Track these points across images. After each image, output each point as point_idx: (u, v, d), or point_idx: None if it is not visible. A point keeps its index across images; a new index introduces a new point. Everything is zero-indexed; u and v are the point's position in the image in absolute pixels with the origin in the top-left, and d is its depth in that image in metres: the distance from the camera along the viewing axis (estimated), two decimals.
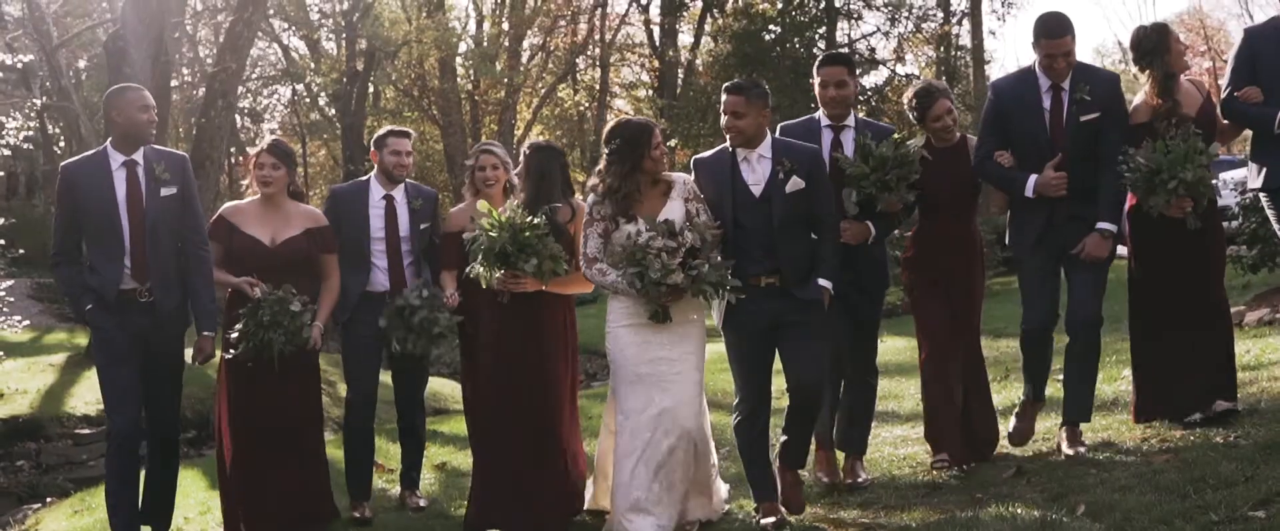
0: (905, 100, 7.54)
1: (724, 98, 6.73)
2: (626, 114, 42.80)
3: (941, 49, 35.19)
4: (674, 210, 6.60)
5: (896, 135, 7.22)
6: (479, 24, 39.93)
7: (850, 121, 7.32)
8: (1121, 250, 7.43)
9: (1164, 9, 67.51)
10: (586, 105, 41.60)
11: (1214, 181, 7.13)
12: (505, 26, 38.83)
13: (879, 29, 35.12)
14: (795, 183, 6.61)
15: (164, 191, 7.10)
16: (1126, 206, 7.34)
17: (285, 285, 7.18)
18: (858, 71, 28.00)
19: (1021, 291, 7.42)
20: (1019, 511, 6.10)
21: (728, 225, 6.62)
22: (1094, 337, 7.28)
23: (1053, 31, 7.06)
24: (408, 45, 35.35)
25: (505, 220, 6.83)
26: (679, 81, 37.85)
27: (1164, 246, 7.31)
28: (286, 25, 37.92)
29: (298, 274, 7.37)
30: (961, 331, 7.41)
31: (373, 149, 8.25)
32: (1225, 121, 7.45)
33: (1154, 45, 7.30)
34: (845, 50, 32.11)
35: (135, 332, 7.05)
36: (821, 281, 6.65)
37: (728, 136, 6.72)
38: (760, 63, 30.97)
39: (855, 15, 34.87)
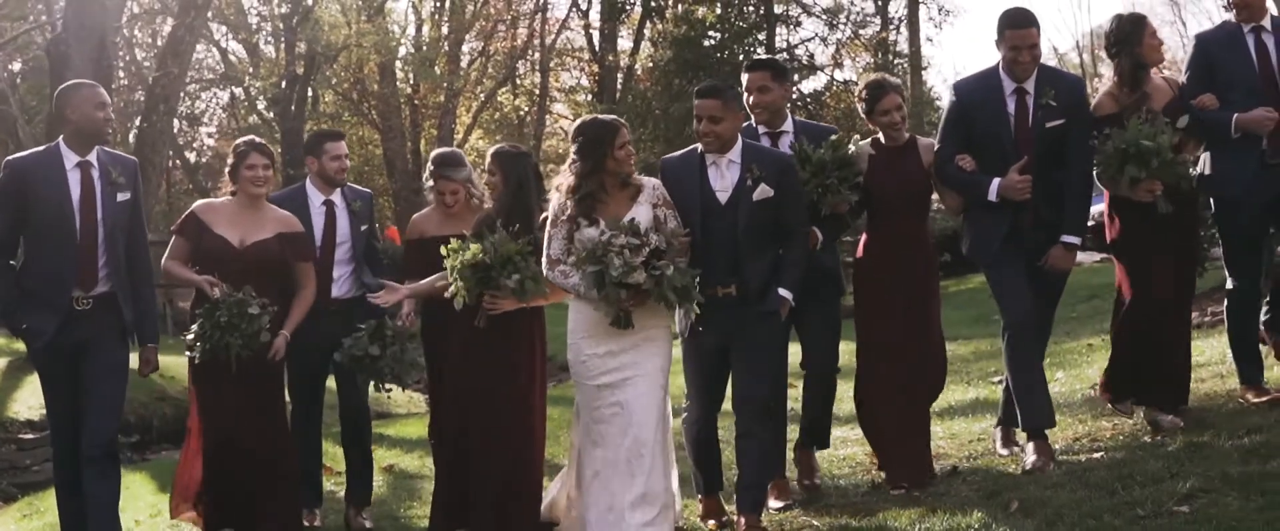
0: (856, 92, 7.28)
1: (697, 102, 6.55)
2: (567, 118, 42.97)
3: (879, 55, 35.54)
4: (641, 214, 6.37)
5: (834, 137, 7.05)
6: (418, 28, 39.92)
7: (787, 127, 7.20)
8: (1079, 257, 7.41)
9: (1098, 16, 68.39)
10: (526, 110, 41.64)
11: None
12: (445, 31, 38.82)
13: (817, 35, 35.45)
14: (763, 190, 6.45)
15: (119, 196, 6.83)
16: (1104, 208, 7.33)
17: (246, 287, 6.96)
18: (796, 77, 27.77)
19: (995, 291, 7.18)
20: (955, 509, 6.25)
21: (695, 232, 6.45)
22: (1043, 344, 7.30)
23: (1017, 22, 6.92)
24: (347, 49, 35.28)
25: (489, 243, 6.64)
26: (618, 86, 37.98)
27: (1147, 236, 7.12)
28: (225, 28, 37.73)
29: (265, 278, 7.14)
30: (920, 340, 7.16)
31: (308, 155, 8.05)
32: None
33: (1126, 35, 7.18)
34: (782, 55, 32.56)
35: (74, 342, 6.73)
36: (782, 292, 6.50)
37: (703, 142, 6.53)
38: (700, 68, 31.11)
39: (794, 21, 35.16)
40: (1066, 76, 7.42)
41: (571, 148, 6.52)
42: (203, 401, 7.18)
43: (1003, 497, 6.31)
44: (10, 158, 7.09)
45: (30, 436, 13.33)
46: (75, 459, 6.88)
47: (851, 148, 7.03)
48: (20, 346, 17.29)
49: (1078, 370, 9.62)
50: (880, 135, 7.22)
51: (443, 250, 6.80)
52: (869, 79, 7.35)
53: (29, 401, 14.06)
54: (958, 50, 60.20)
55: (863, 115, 7.32)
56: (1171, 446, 6.63)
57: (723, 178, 6.52)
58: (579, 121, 6.65)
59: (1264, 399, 7.27)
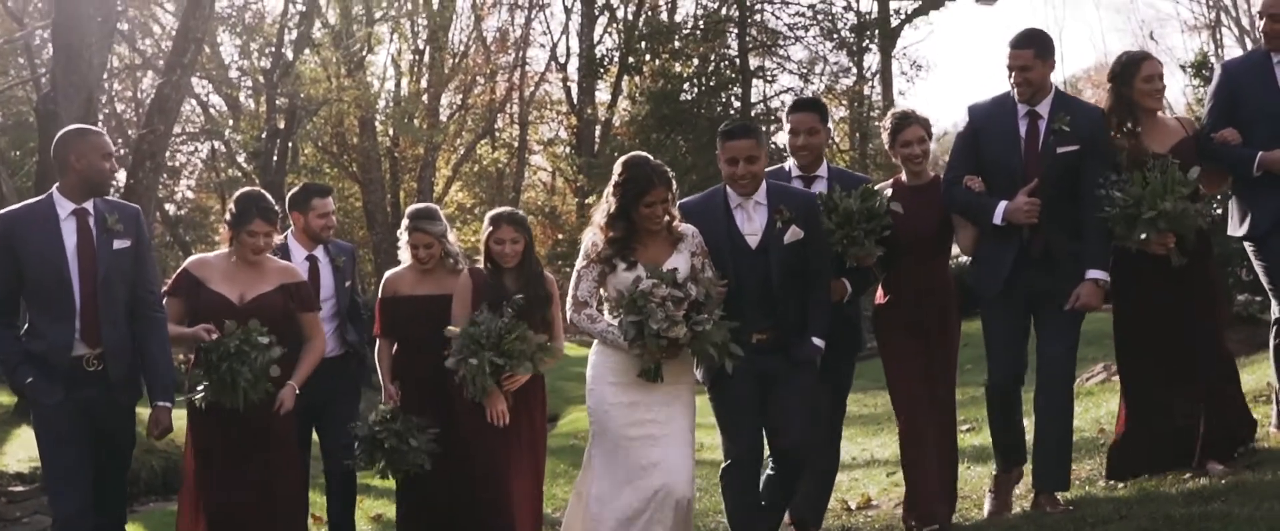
0: (881, 126, 7.11)
1: (731, 143, 6.31)
2: (545, 170, 43.02)
3: (853, 107, 36.01)
4: (679, 263, 6.17)
5: (863, 187, 6.78)
6: (397, 82, 40.14)
7: (822, 172, 7.01)
8: None
9: (1071, 65, 69.46)
10: (505, 162, 41.88)
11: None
12: (424, 84, 39.09)
13: (792, 89, 35.90)
14: (794, 233, 6.29)
15: (116, 244, 6.35)
16: None
17: (251, 322, 6.61)
18: (772, 127, 27.79)
19: (987, 338, 6.92)
20: None
21: (726, 278, 6.25)
22: (1069, 392, 6.88)
23: (1013, 42, 6.74)
24: (328, 103, 35.49)
25: (481, 334, 6.57)
26: (597, 139, 38.33)
27: (1149, 287, 6.87)
28: (207, 82, 37.91)
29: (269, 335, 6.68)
30: (942, 389, 6.95)
31: (293, 210, 7.87)
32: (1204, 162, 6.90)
33: (1116, 74, 7.02)
34: (758, 108, 33.01)
35: (83, 405, 6.28)
36: (816, 341, 6.34)
37: (738, 184, 6.34)
38: (677, 123, 31.51)
39: (769, 76, 35.69)
40: (1084, 105, 7.04)
41: (612, 181, 6.31)
42: (201, 467, 6.81)
43: None
44: (1, 211, 6.70)
45: (20, 489, 13.44)
46: (78, 523, 6.32)
47: (880, 200, 6.77)
48: (2, 399, 17.44)
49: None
50: (902, 174, 7.07)
51: (448, 363, 6.72)
52: (895, 110, 7.19)
53: (18, 454, 14.19)
54: (929, 103, 61.18)
55: (886, 147, 7.20)
56: (1122, 491, 6.93)
57: (751, 220, 6.36)
58: (627, 157, 6.40)
59: None
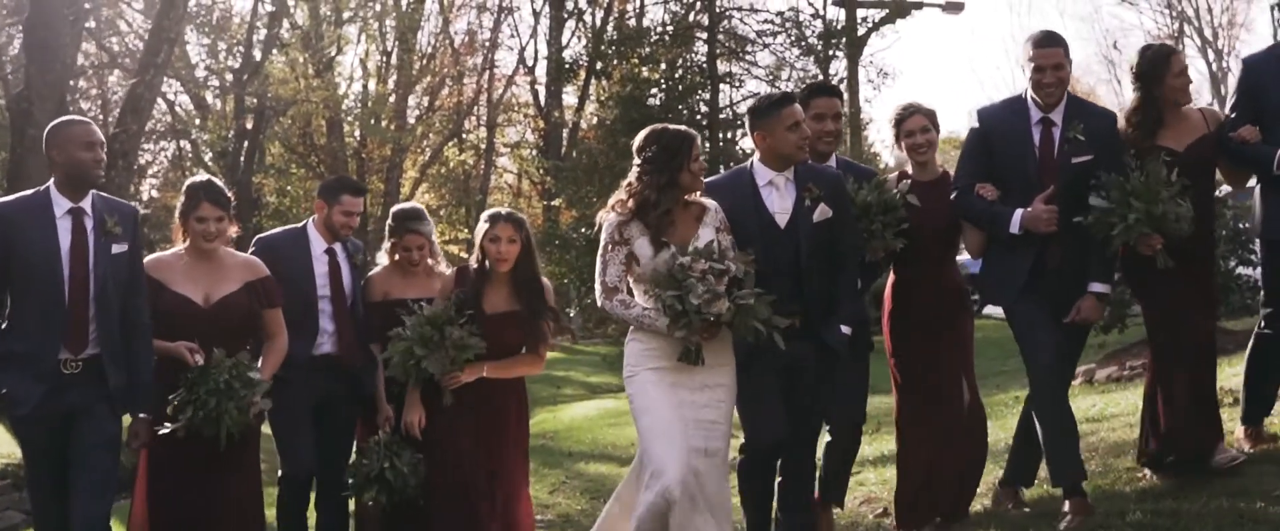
0: (888, 119, 6.95)
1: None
2: (511, 173, 43.04)
3: None
4: (706, 239, 5.86)
5: (877, 179, 6.70)
6: (365, 83, 40.18)
7: (831, 162, 6.81)
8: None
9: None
10: (472, 164, 42.01)
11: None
12: (391, 85, 39.18)
13: (758, 94, 36.08)
14: (823, 211, 6.11)
15: (115, 248, 6.03)
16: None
17: (240, 353, 6.26)
18: (739, 132, 27.94)
19: (1020, 334, 6.54)
20: None
21: (755, 259, 5.84)
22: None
23: (1042, 41, 6.45)
24: (296, 104, 35.49)
25: (414, 325, 6.53)
26: (564, 142, 38.49)
27: (1161, 283, 6.57)
28: (174, 81, 37.82)
29: (236, 336, 6.43)
30: (954, 389, 6.75)
31: (319, 198, 7.39)
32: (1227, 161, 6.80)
33: (1145, 71, 6.67)
34: (725, 114, 33.28)
35: (62, 410, 5.97)
36: (844, 329, 6.17)
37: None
38: (645, 127, 31.59)
39: (737, 82, 35.97)
40: (1098, 110, 6.81)
41: (638, 159, 6.00)
42: (157, 477, 6.39)
43: None
44: None
45: None
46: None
47: (895, 192, 6.68)
48: None
49: (1002, 420, 10.06)
50: (908, 167, 6.93)
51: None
52: (900, 102, 6.99)
53: None
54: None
55: (893, 140, 6.98)
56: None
57: (782, 198, 6.18)
58: (648, 130, 6.09)
59: (1258, 447, 7.09)
